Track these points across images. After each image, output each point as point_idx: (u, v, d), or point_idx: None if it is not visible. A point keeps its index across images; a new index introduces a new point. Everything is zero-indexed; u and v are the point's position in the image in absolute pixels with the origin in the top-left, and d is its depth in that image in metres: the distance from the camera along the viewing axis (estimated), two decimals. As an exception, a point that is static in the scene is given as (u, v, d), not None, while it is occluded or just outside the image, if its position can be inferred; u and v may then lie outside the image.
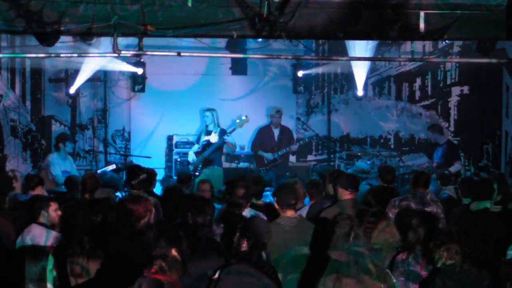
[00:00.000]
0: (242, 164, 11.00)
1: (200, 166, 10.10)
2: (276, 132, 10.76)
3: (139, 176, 6.50)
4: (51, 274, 3.88)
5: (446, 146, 10.20)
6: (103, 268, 4.10)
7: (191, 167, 10.12)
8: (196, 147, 10.37)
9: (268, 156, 10.49)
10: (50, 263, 3.86)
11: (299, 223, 5.38)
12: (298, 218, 5.49)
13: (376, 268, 3.80)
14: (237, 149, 11.34)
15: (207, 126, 10.30)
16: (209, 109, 10.36)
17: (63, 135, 10.07)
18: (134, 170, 6.64)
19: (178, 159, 10.98)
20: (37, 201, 5.61)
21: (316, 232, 4.90)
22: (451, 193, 7.28)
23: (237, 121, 10.22)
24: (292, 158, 11.70)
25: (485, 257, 5.06)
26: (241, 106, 10.67)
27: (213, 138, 10.22)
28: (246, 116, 10.29)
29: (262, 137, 10.80)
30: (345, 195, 5.89)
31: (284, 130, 10.84)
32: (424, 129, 12.05)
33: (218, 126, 10.28)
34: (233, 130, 10.18)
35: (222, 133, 10.25)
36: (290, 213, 5.44)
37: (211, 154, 10.17)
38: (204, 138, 10.30)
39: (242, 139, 11.39)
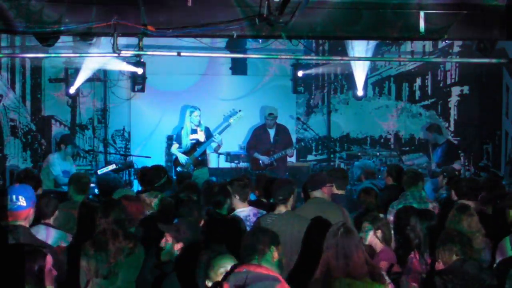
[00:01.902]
0: (242, 164, 10.98)
1: (191, 167, 9.81)
2: (271, 132, 10.47)
3: (164, 179, 6.48)
4: (50, 274, 3.88)
5: (446, 146, 10.19)
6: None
7: (179, 169, 9.74)
8: (176, 147, 9.94)
9: (264, 159, 10.26)
10: (48, 263, 3.86)
11: (278, 218, 5.33)
12: (280, 214, 5.42)
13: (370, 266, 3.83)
14: (237, 149, 11.31)
15: (195, 125, 9.89)
16: (195, 108, 9.94)
17: (67, 137, 10.05)
18: (158, 173, 6.54)
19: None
20: (52, 201, 5.59)
21: (310, 228, 4.96)
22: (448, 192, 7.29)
23: (230, 119, 10.07)
24: (292, 158, 11.69)
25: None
26: (241, 106, 10.63)
27: (201, 137, 9.92)
28: (240, 111, 10.16)
29: (256, 138, 10.50)
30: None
31: (280, 130, 10.50)
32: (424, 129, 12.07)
33: (201, 124, 10.03)
34: (227, 126, 10.04)
35: (208, 131, 10.04)
36: (280, 208, 5.44)
37: (202, 154, 9.96)
38: (191, 137, 9.92)
39: (242, 139, 11.39)
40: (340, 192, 6.48)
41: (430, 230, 4.62)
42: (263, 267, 3.64)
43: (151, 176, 6.52)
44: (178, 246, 4.34)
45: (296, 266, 4.88)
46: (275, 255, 3.82)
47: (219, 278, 3.65)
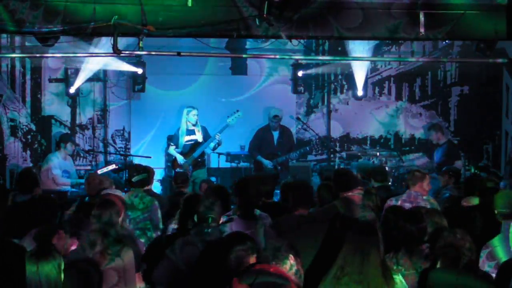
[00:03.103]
0: (242, 164, 10.97)
1: (190, 168, 9.79)
2: (275, 135, 10.50)
3: (139, 175, 6.56)
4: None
5: (447, 146, 10.21)
6: None
7: (178, 170, 9.66)
8: (174, 148, 9.98)
9: (267, 163, 10.24)
10: (62, 262, 3.87)
11: (303, 222, 5.27)
12: (304, 217, 5.41)
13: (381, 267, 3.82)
14: (238, 149, 11.29)
15: (193, 124, 9.92)
16: (193, 107, 9.96)
17: (66, 136, 10.05)
18: (134, 169, 6.75)
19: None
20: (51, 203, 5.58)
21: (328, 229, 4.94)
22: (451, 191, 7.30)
23: (229, 119, 10.05)
24: (292, 158, 11.71)
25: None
26: (241, 106, 10.62)
27: (199, 137, 9.93)
28: (238, 111, 10.13)
29: (260, 140, 10.50)
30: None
31: (284, 132, 10.55)
32: (425, 129, 12.06)
33: (198, 123, 10.03)
34: (226, 126, 10.02)
35: (205, 130, 10.05)
36: (301, 211, 5.42)
37: (201, 155, 9.95)
38: (188, 137, 9.95)
39: (242, 139, 11.38)
40: None
41: (418, 230, 4.59)
42: (276, 268, 3.65)
43: (128, 174, 6.67)
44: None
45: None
46: (292, 261, 3.81)
47: None
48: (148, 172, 6.78)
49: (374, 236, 3.88)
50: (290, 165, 10.90)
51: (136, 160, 10.63)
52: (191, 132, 10.00)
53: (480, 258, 4.75)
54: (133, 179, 6.55)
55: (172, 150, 10.04)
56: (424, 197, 6.42)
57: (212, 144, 9.91)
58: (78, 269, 4.05)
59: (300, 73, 11.70)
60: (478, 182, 6.67)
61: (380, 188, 7.31)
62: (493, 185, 6.78)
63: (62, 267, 3.86)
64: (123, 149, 11.61)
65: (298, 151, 10.49)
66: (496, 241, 4.82)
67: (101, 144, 11.55)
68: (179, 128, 10.07)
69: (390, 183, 8.23)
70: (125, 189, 9.39)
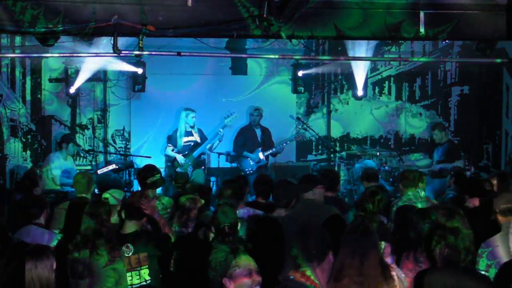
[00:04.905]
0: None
1: (190, 168, 9.86)
2: (258, 132, 10.61)
3: (153, 176, 6.52)
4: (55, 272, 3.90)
5: (447, 146, 10.21)
6: None
7: (179, 169, 9.76)
8: (171, 149, 10.03)
9: (254, 157, 10.32)
10: (54, 262, 3.88)
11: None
12: (280, 217, 5.44)
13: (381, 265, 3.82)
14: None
15: (190, 126, 10.00)
16: (192, 110, 10.05)
17: (68, 137, 10.05)
18: (150, 170, 6.65)
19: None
20: (39, 201, 5.58)
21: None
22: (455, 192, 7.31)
23: (226, 120, 10.08)
24: (293, 158, 11.71)
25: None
26: (241, 106, 10.65)
27: (197, 138, 10.00)
28: (234, 112, 10.18)
29: (244, 137, 10.60)
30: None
31: (266, 131, 10.69)
32: (426, 129, 12.06)
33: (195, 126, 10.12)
34: (223, 127, 10.05)
35: (201, 132, 10.08)
36: (280, 211, 5.45)
37: (200, 155, 10.01)
38: (186, 138, 10.02)
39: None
40: (330, 194, 6.47)
41: (429, 229, 4.59)
42: (306, 277, 3.62)
43: (143, 175, 6.60)
44: None
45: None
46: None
47: (235, 277, 3.63)
48: (160, 173, 6.75)
49: (372, 236, 3.88)
50: (291, 165, 10.96)
51: (136, 160, 10.65)
52: (189, 134, 10.04)
53: (480, 257, 4.74)
54: (148, 181, 6.50)
55: (169, 151, 10.07)
56: (426, 197, 6.45)
57: (213, 140, 9.97)
58: None
59: (300, 73, 11.71)
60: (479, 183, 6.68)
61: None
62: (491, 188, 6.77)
63: (54, 267, 3.88)
64: (123, 149, 11.61)
65: (285, 142, 10.52)
66: (497, 241, 4.82)
67: (101, 144, 11.55)
68: (176, 129, 10.09)
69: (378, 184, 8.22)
70: (126, 189, 9.41)
